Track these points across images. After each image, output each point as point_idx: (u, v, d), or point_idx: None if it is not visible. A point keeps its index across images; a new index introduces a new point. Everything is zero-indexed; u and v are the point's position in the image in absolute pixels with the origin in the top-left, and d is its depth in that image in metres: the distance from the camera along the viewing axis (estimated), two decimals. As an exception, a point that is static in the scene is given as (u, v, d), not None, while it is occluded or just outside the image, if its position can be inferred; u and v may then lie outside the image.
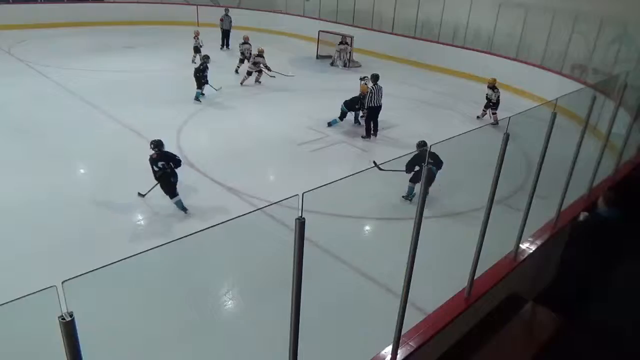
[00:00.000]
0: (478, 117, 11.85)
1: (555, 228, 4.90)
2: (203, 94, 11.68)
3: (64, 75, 13.03)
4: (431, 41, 17.02)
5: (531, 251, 4.53)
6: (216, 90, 12.20)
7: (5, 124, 9.53)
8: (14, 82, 12.23)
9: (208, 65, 11.63)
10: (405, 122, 11.09)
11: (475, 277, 3.83)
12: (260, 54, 13.22)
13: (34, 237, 5.95)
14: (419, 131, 10.48)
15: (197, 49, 14.93)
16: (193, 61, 14.55)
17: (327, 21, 19.68)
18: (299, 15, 21.18)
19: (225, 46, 17.98)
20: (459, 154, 7.00)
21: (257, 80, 13.40)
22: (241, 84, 13.23)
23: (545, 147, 4.03)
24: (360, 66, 16.40)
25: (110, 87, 12.27)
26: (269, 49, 17.80)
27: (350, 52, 16.51)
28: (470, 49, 15.97)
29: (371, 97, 9.82)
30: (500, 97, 11.43)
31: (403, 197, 7.35)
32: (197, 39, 15.05)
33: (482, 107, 11.75)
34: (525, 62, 14.48)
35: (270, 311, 4.63)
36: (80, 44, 16.77)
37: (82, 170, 8.29)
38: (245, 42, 14.44)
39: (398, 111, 11.69)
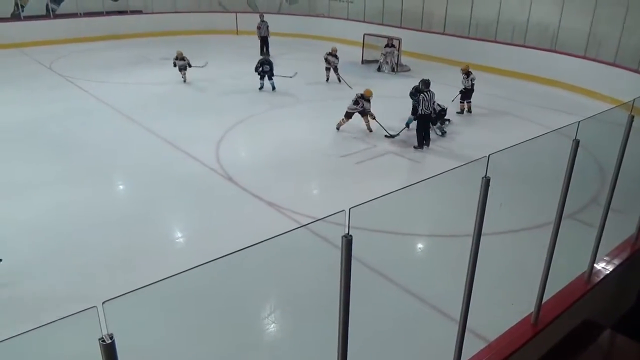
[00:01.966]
0: (458, 112, 12.04)
1: (635, 246, 4.66)
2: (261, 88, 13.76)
3: (104, 89, 13.70)
4: (487, 40, 16.73)
5: (607, 272, 4.33)
6: (291, 77, 13.91)
7: (46, 140, 10.09)
8: (54, 97, 12.97)
9: (267, 62, 13.56)
10: (460, 130, 10.92)
11: (543, 302, 3.70)
12: (333, 54, 14.11)
13: (73, 255, 6.23)
14: (476, 139, 10.29)
15: (182, 68, 14.37)
16: (185, 80, 14.33)
17: (372, 23, 19.76)
18: (342, 19, 21.39)
19: (265, 53, 18.37)
20: (522, 164, 6.81)
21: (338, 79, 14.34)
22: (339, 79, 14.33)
23: (622, 155, 3.86)
24: (409, 70, 16.33)
25: (149, 100, 12.79)
26: (311, 55, 18.10)
27: (398, 56, 16.46)
28: (531, 48, 15.60)
29: (423, 103, 9.70)
30: (475, 84, 11.98)
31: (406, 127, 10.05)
32: (184, 59, 14.36)
33: (459, 99, 12.10)
34: (596, 60, 13.97)
35: (315, 334, 4.63)
36: (119, 57, 17.62)
37: (121, 186, 8.64)
38: (332, 54, 14.59)
39: (452, 117, 11.54)
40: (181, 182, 8.31)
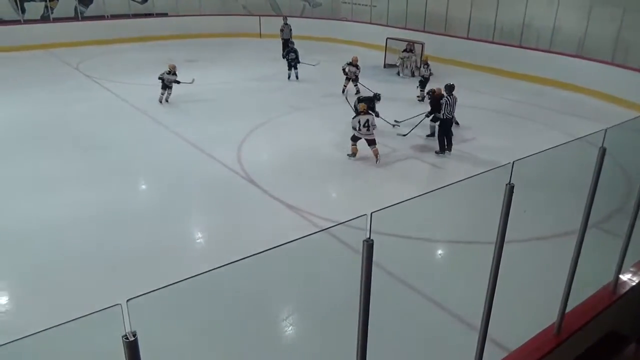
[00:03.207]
0: (418, 97, 13.23)
1: (663, 257, 4.54)
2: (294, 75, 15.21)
3: (129, 90, 13.93)
4: (512, 45, 16.55)
5: (634, 283, 4.24)
6: (314, 65, 15.04)
7: (72, 140, 10.28)
8: (80, 97, 13.23)
9: (292, 50, 15.01)
10: (483, 135, 10.81)
11: (567, 311, 3.63)
12: (354, 64, 13.43)
13: (98, 253, 6.33)
14: (498, 145, 10.18)
15: (166, 86, 12.70)
16: (162, 101, 12.71)
17: (395, 27, 19.70)
18: (365, 22, 21.37)
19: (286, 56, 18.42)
20: (546, 171, 6.71)
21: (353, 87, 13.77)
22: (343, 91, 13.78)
23: (650, 163, 3.77)
24: (432, 74, 16.21)
25: (172, 101, 12.94)
26: (334, 57, 18.13)
27: (416, 60, 16.36)
28: (557, 53, 15.37)
29: (446, 108, 9.64)
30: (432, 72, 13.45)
31: (427, 135, 10.32)
32: (172, 72, 12.67)
33: (419, 89, 13.30)
34: (623, 66, 13.67)
35: (334, 339, 4.62)
36: (144, 59, 17.89)
37: (144, 186, 8.76)
38: (352, 63, 13.62)
39: (474, 123, 11.45)
40: (204, 183, 8.39)
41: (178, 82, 12.67)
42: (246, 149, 9.91)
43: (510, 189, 2.97)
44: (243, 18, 22.92)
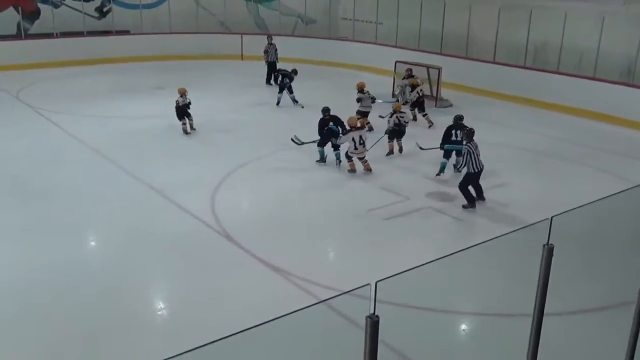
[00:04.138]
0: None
1: None
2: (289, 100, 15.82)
3: (79, 123, 14.01)
4: (547, 71, 16.86)
5: None
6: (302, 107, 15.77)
7: (8, 185, 10.26)
8: (19, 132, 13.27)
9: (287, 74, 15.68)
10: (513, 182, 10.81)
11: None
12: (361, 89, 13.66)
13: (33, 325, 6.22)
14: (534, 193, 10.17)
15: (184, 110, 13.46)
16: (192, 128, 13.64)
17: (406, 49, 20.05)
18: (369, 43, 21.86)
19: (272, 81, 18.59)
20: (594, 226, 6.72)
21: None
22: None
23: None
24: (450, 106, 16.42)
25: (133, 137, 13.00)
26: (329, 84, 18.41)
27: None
28: (603, 81, 15.62)
29: (469, 159, 9.47)
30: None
31: (437, 175, 10.70)
32: (185, 96, 13.39)
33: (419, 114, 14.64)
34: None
35: None
36: (101, 86, 18.11)
37: (93, 242, 8.72)
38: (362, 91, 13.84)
39: (503, 165, 11.50)
40: (168, 238, 8.32)
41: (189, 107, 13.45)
42: (222, 197, 9.89)
43: (549, 251, 2.98)
44: (221, 37, 23.42)
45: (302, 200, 9.95)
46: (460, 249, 2.93)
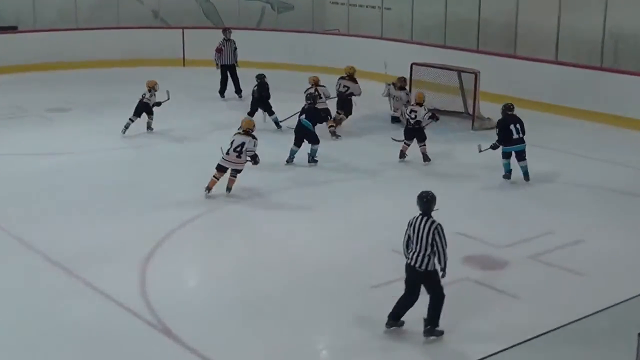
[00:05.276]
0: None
1: None
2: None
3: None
4: (635, 74, 16.75)
5: None
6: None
7: None
8: None
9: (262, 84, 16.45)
10: (592, 235, 10.69)
11: None
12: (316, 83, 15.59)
13: None
14: (622, 254, 10.06)
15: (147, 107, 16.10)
16: (150, 127, 16.33)
17: (425, 45, 20.20)
18: (371, 37, 21.90)
19: (235, 92, 19.10)
20: None
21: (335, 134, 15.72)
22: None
23: None
24: (494, 127, 16.28)
25: (21, 184, 12.87)
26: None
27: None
28: None
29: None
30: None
31: (503, 176, 12.71)
32: (153, 91, 16.24)
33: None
34: None
35: None
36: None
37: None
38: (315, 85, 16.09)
39: (577, 214, 11.51)
40: (76, 333, 8.16)
41: (159, 104, 15.79)
42: (156, 271, 9.70)
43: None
44: (154, 33, 23.55)
45: (271, 273, 9.72)
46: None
